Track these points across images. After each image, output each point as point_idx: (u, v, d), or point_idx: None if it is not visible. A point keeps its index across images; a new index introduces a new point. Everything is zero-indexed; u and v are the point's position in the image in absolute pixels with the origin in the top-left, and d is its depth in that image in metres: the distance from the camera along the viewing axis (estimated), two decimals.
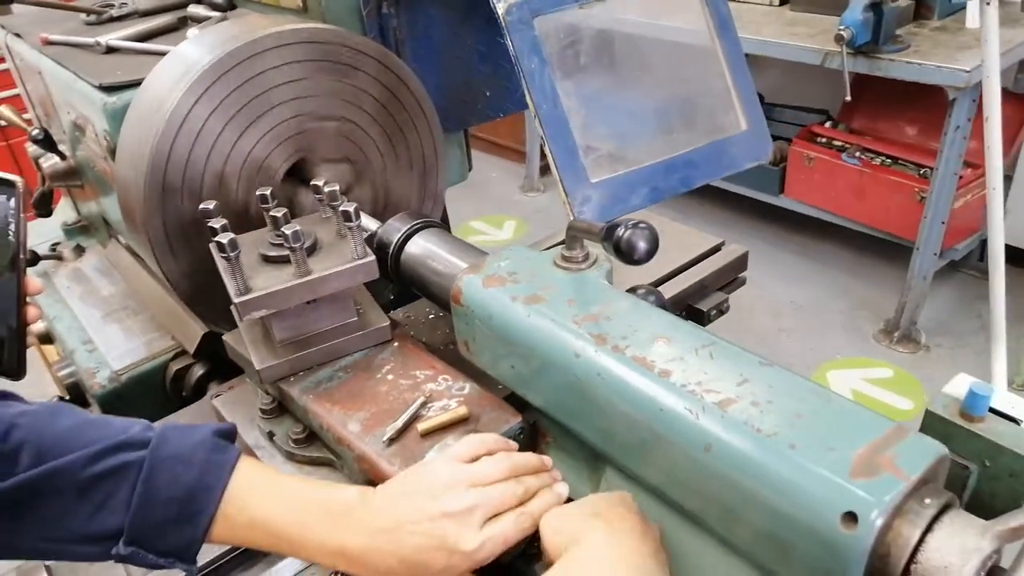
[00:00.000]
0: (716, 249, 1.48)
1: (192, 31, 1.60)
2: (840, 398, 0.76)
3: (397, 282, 1.20)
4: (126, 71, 1.50)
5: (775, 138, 4.16)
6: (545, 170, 5.11)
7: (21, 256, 0.90)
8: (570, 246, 0.98)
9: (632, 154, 1.14)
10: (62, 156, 1.94)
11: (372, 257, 1.09)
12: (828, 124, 4.01)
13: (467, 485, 0.83)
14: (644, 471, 0.83)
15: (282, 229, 1.03)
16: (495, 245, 4.68)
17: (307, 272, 1.06)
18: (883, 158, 3.67)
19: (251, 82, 1.26)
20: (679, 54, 1.20)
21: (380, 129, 1.45)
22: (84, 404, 1.77)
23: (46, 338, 1.93)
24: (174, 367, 1.68)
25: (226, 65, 1.22)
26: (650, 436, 0.78)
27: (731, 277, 1.47)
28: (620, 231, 0.76)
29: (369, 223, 1.27)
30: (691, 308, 1.40)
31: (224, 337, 1.21)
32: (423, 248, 1.16)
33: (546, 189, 5.14)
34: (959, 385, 0.98)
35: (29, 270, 2.06)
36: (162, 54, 1.58)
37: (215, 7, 1.88)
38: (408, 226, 1.18)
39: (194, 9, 1.81)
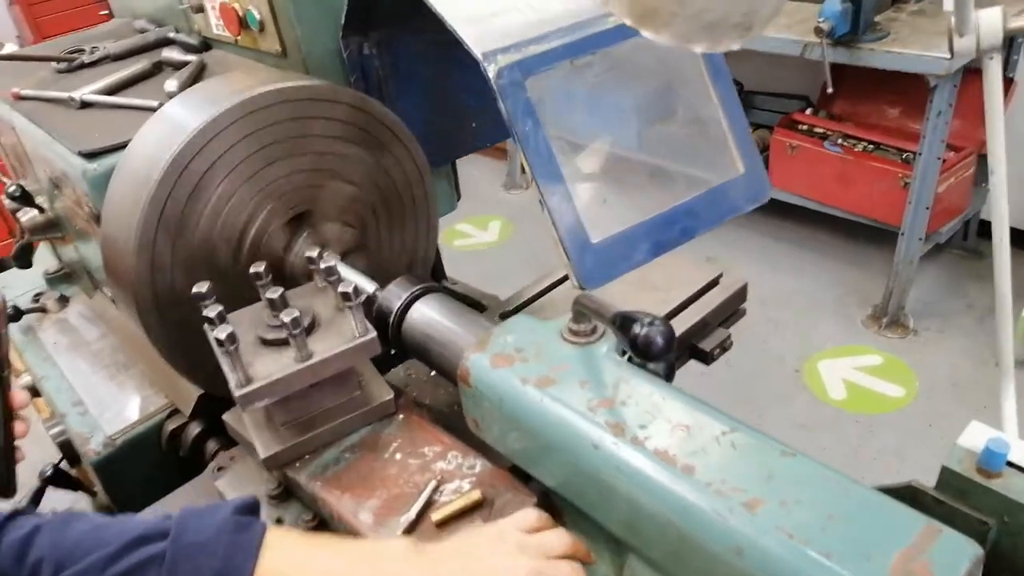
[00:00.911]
0: (715, 282, 1.46)
1: (170, 83, 1.56)
2: (867, 492, 0.75)
3: (399, 350, 1.18)
4: (104, 131, 1.45)
5: (756, 127, 4.17)
6: None
7: (4, 373, 0.87)
8: (577, 320, 0.96)
9: (632, 208, 1.12)
10: (40, 209, 1.89)
11: (374, 334, 1.06)
12: (809, 111, 4.00)
13: (534, 553, 0.82)
14: (672, 567, 0.82)
15: (281, 316, 1.00)
16: (481, 248, 4.65)
17: (308, 356, 1.03)
18: (865, 144, 3.66)
19: (241, 144, 1.22)
20: (674, 102, 1.18)
21: (363, 172, 1.41)
22: (77, 460, 1.74)
23: (36, 391, 1.90)
24: (169, 427, 1.65)
25: (216, 129, 1.18)
26: (677, 535, 0.77)
27: (732, 311, 1.45)
28: (637, 328, 0.74)
29: (366, 285, 1.24)
30: (694, 348, 1.38)
31: (224, 417, 1.18)
32: (425, 317, 1.13)
33: (529, 186, 5.10)
34: (973, 437, 0.97)
35: (12, 327, 2.01)
36: (138, 108, 1.54)
37: (189, 49, 1.83)
38: (408, 293, 1.15)
39: (168, 53, 1.76)
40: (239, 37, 1.65)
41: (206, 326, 1.05)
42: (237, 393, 0.99)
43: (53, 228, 1.93)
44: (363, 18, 1.49)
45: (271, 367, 1.03)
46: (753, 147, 1.21)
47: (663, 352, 0.74)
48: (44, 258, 2.26)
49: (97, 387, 1.80)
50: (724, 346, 1.38)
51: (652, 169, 1.16)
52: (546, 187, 1.05)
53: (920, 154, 3.17)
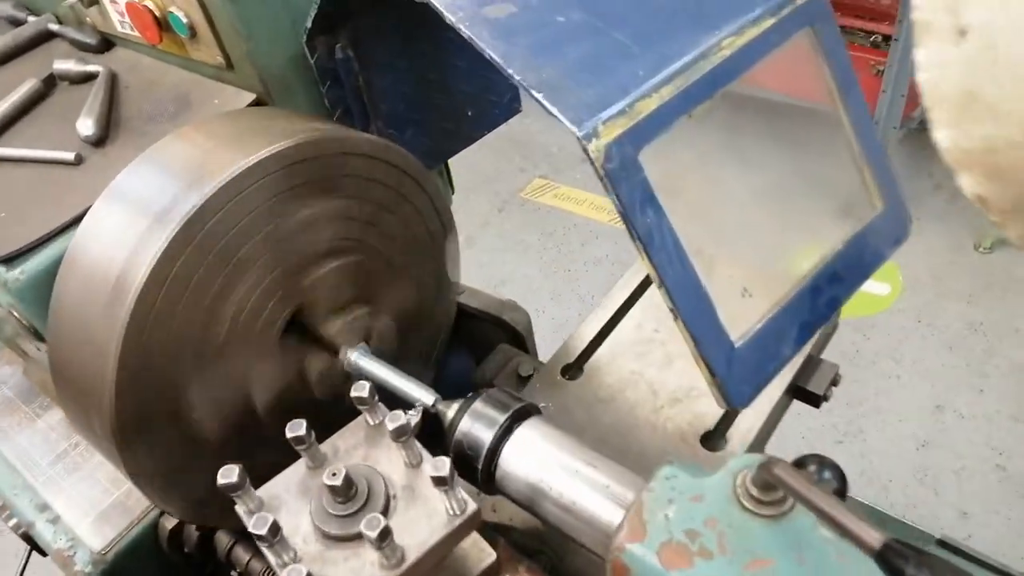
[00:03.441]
0: None
1: (84, 123, 1.18)
2: None
3: (487, 493, 0.93)
4: (5, 204, 1.09)
5: None
6: None
7: None
8: (764, 489, 0.74)
9: (769, 287, 0.88)
10: None
11: (475, 507, 0.81)
12: None
13: None
14: None
15: (362, 529, 0.74)
16: None
17: (399, 560, 0.78)
18: None
19: (233, 233, 0.91)
20: (800, 135, 0.91)
21: (383, 234, 1.11)
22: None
23: None
24: (167, 525, 1.38)
25: (202, 219, 0.86)
26: None
27: (829, 332, 1.25)
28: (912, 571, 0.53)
29: (424, 396, 0.97)
30: (800, 391, 1.19)
31: None
32: (527, 465, 0.88)
33: None
34: None
35: None
36: (45, 162, 1.17)
37: (85, 48, 1.41)
38: (498, 426, 0.89)
39: (61, 65, 1.33)
40: (159, 43, 1.25)
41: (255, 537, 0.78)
42: None
43: None
44: (333, 14, 1.14)
45: None
46: (891, 174, 0.97)
47: None
48: None
49: (61, 483, 1.49)
50: (835, 381, 1.18)
51: (787, 230, 0.91)
52: (678, 293, 0.79)
53: (896, 40, 2.97)
